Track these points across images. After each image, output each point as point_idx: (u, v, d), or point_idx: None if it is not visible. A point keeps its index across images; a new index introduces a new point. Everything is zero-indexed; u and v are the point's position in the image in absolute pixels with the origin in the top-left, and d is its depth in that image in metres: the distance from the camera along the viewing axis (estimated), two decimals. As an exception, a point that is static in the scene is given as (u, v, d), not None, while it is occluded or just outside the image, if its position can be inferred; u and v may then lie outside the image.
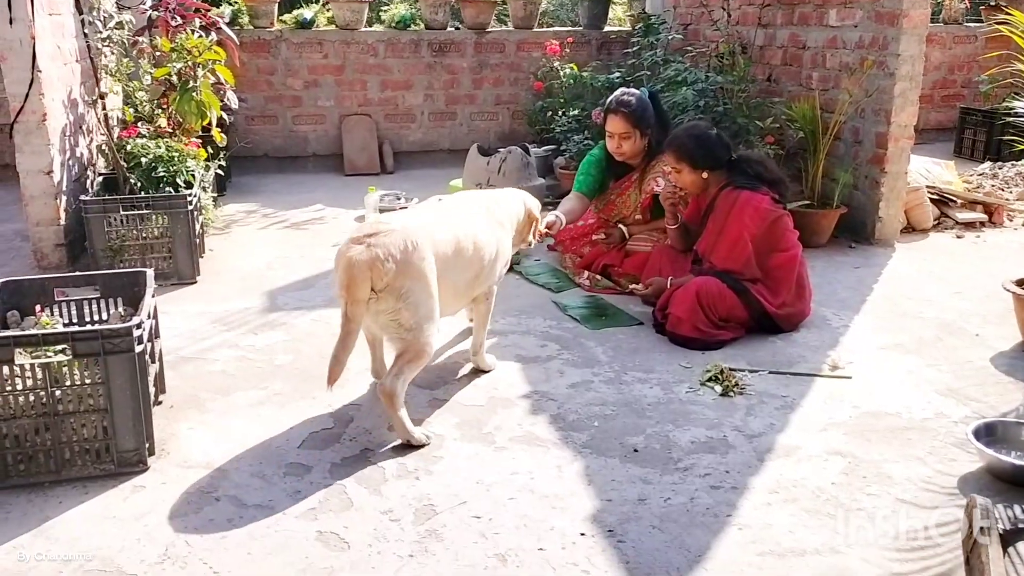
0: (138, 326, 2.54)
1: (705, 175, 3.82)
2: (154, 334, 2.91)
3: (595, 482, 2.55)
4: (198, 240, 4.44)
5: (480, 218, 3.16)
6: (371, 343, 3.10)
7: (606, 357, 3.44)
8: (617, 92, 4.46)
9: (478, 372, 3.29)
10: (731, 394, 3.10)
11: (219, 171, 5.34)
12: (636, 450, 2.73)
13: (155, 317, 2.93)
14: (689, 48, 6.37)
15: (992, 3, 7.97)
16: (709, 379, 3.21)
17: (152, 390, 2.74)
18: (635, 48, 6.76)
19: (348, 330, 2.69)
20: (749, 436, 2.82)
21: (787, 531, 2.32)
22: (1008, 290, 3.59)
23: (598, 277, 4.34)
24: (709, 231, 3.82)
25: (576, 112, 6.37)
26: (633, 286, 4.09)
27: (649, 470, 2.61)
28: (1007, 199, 5.67)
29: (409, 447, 2.72)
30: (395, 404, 2.72)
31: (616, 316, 3.91)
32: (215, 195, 5.39)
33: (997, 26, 3.57)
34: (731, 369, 3.26)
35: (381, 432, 2.83)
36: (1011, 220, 5.49)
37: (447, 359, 3.41)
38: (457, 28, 7.54)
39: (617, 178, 4.53)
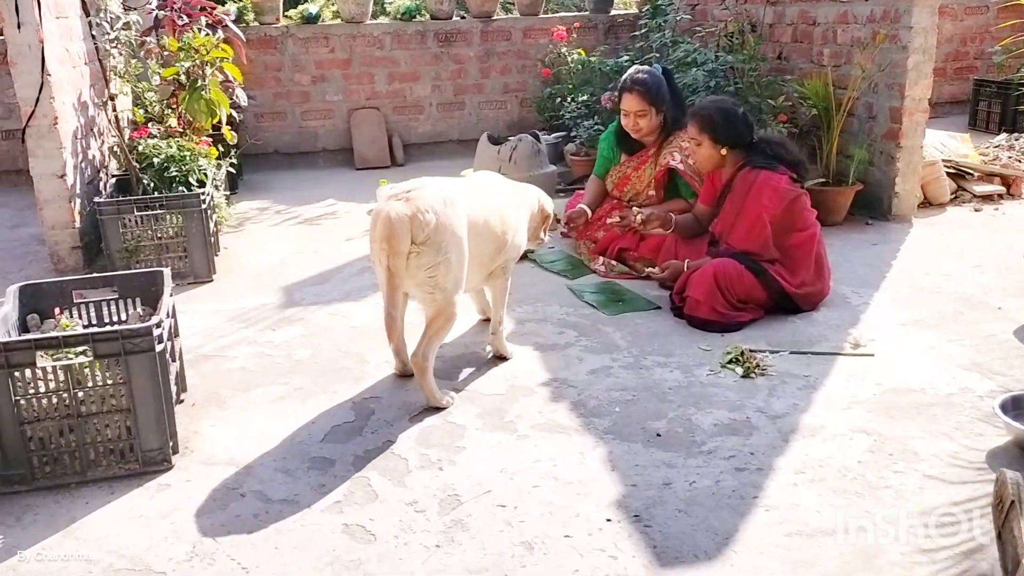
0: (158, 325, 2.55)
1: (724, 151, 3.79)
2: (174, 333, 2.91)
3: (619, 467, 2.54)
4: (213, 238, 4.45)
5: (506, 193, 3.27)
6: (393, 321, 3.00)
7: (624, 342, 3.43)
8: (631, 70, 4.48)
9: (498, 360, 3.29)
10: (752, 375, 3.08)
11: (231, 169, 5.36)
12: (659, 434, 2.72)
13: (174, 316, 2.94)
14: (698, 28, 6.32)
15: (1004, -28, 7.86)
16: (729, 361, 3.19)
17: (174, 389, 2.75)
18: (643, 30, 6.72)
19: (393, 285, 2.79)
20: (772, 417, 2.80)
21: (814, 511, 2.30)
22: (1030, 262, 3.56)
23: (613, 263, 4.32)
24: (727, 212, 3.79)
25: (585, 98, 6.35)
26: (649, 270, 4.07)
27: (673, 454, 2.60)
28: (1025, 170, 5.60)
29: (433, 428, 2.73)
30: (427, 371, 2.88)
31: (633, 301, 3.89)
32: (228, 193, 5.41)
33: (1010, -5, 3.51)
34: (751, 350, 3.24)
35: (403, 423, 2.83)
36: (1029, 191, 5.43)
37: (466, 350, 3.40)
38: (463, 17, 7.51)
39: (631, 153, 4.52)
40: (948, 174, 5.28)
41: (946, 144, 5.51)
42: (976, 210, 5.11)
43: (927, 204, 5.16)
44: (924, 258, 4.29)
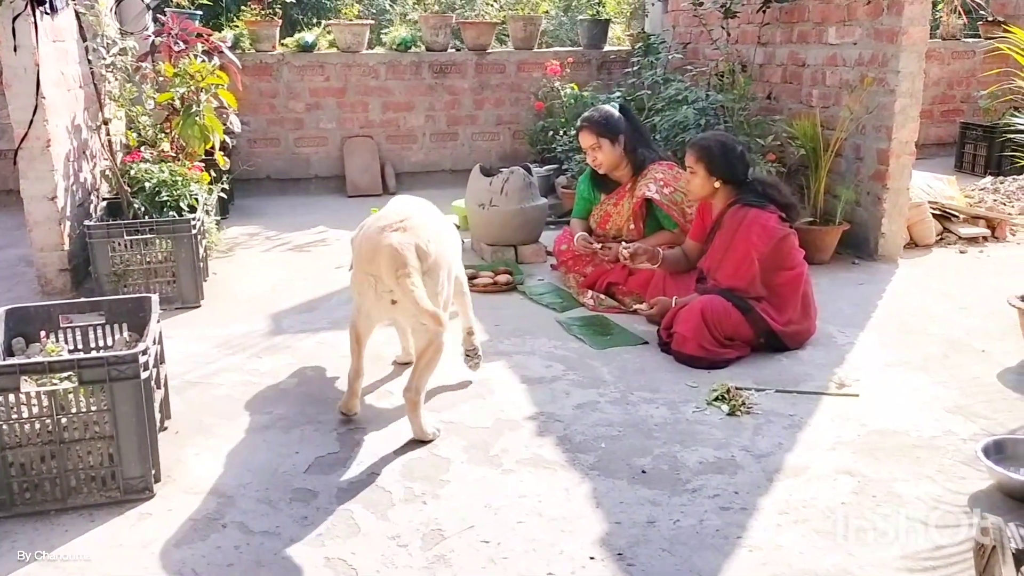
0: (144, 352, 2.54)
1: (717, 184, 3.82)
2: (159, 360, 2.90)
3: (603, 504, 2.53)
4: (202, 264, 4.45)
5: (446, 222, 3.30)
6: (358, 372, 3.07)
7: (612, 377, 3.44)
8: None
9: (484, 395, 3.28)
10: (738, 413, 3.09)
11: (222, 194, 5.37)
12: (644, 471, 2.72)
13: (160, 342, 2.93)
14: (689, 67, 6.40)
15: (990, 19, 8.01)
16: (716, 398, 3.20)
17: (158, 416, 2.73)
18: (635, 67, 6.80)
19: (393, 315, 2.94)
20: (757, 456, 2.80)
21: (798, 552, 2.30)
22: (1013, 305, 3.59)
23: (602, 296, 4.34)
24: (715, 248, 3.82)
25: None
26: (637, 306, 4.09)
27: (658, 492, 2.60)
28: (1009, 214, 5.67)
29: (418, 461, 2.72)
30: (419, 404, 2.87)
31: (621, 335, 3.90)
32: (218, 218, 5.41)
33: (996, 44, 3.59)
34: (737, 388, 3.25)
35: (388, 455, 2.81)
36: (1014, 235, 5.49)
37: (455, 381, 3.40)
38: (458, 49, 7.58)
39: (608, 192, 4.63)
40: (934, 216, 5.35)
41: (932, 186, 5.58)
42: (961, 252, 5.17)
43: (913, 245, 5.21)
44: (910, 299, 4.33)
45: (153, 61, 5.02)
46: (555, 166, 6.60)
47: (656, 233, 4.45)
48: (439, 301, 2.86)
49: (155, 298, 3.00)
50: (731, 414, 3.09)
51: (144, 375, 2.52)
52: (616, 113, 4.50)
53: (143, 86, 5.17)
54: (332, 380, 3.39)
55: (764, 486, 2.62)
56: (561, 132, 6.55)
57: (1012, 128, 3.72)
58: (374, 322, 3.03)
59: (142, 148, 4.91)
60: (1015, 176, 6.24)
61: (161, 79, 5.03)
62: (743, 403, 3.14)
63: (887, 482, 2.63)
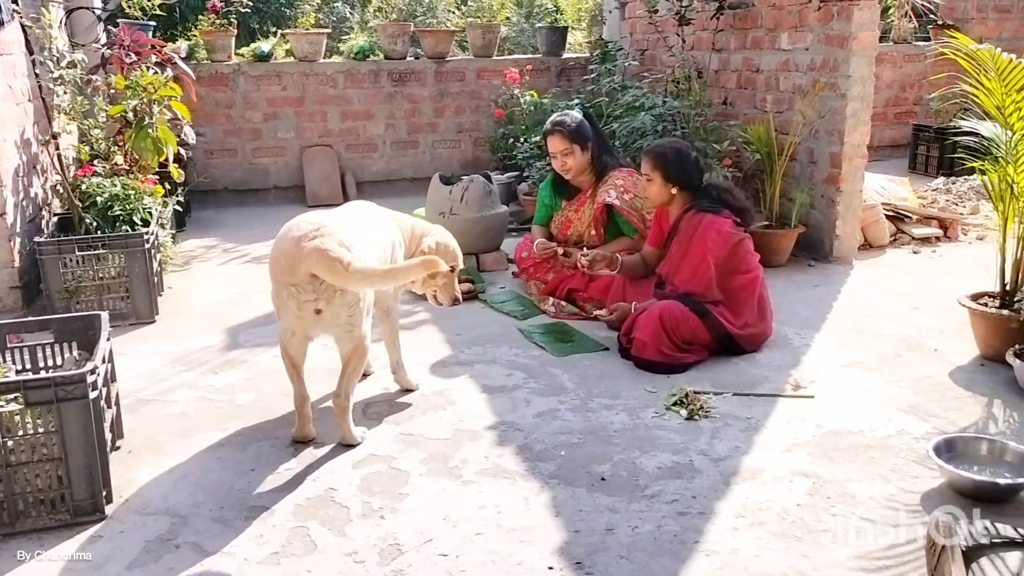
0: (92, 372, 2.49)
1: (673, 191, 3.86)
2: (110, 378, 2.85)
3: (563, 513, 2.53)
4: (156, 278, 4.39)
5: (385, 228, 3.24)
6: (303, 397, 3.01)
7: (572, 384, 3.44)
8: (552, 116, 4.68)
9: (444, 405, 3.27)
10: (696, 417, 3.11)
11: (178, 207, 5.29)
12: (603, 478, 2.72)
13: (111, 361, 2.88)
14: (646, 73, 6.46)
15: (939, 23, 8.18)
16: (674, 403, 3.21)
17: (109, 436, 2.68)
18: (593, 75, 6.83)
19: (319, 325, 2.85)
20: (715, 460, 2.82)
21: (754, 555, 2.32)
22: (964, 305, 3.66)
23: (563, 303, 4.35)
24: (673, 254, 3.85)
25: (537, 139, 6.39)
26: (597, 312, 4.11)
27: (616, 498, 2.60)
28: (961, 214, 5.78)
29: (376, 475, 2.70)
30: (348, 410, 2.93)
31: (582, 342, 3.91)
32: (174, 231, 5.34)
33: (940, 48, 3.66)
34: (696, 392, 3.27)
35: (345, 470, 2.79)
36: (965, 234, 5.60)
37: (416, 394, 3.38)
38: (417, 57, 7.57)
39: (570, 198, 4.63)
40: (887, 217, 5.44)
41: (886, 187, 5.68)
42: (914, 252, 5.26)
43: (867, 246, 5.29)
44: (864, 300, 4.39)
45: (105, 73, 4.95)
46: (516, 173, 6.61)
47: (615, 239, 4.48)
48: (359, 308, 2.86)
49: (105, 316, 2.94)
50: (689, 418, 3.11)
51: (93, 395, 2.47)
52: (583, 120, 4.51)
53: (95, 99, 5.09)
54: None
55: (721, 490, 2.64)
56: (522, 139, 6.56)
57: (960, 130, 3.77)
58: (302, 339, 2.93)
59: (95, 161, 4.83)
60: (966, 177, 6.37)
61: (113, 91, 4.96)
62: (701, 407, 3.17)
63: (842, 483, 2.67)
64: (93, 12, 5.87)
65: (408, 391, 3.38)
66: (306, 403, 2.99)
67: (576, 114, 4.59)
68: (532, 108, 6.78)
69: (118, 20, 6.14)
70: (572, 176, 4.53)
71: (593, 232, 4.53)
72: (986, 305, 3.62)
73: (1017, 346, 3.35)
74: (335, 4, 10.14)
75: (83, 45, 5.23)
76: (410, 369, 3.45)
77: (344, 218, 3.04)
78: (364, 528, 2.46)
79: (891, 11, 8.36)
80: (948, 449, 2.72)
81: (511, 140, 6.79)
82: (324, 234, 2.77)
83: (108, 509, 2.54)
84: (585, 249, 4.37)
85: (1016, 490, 2.55)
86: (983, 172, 3.66)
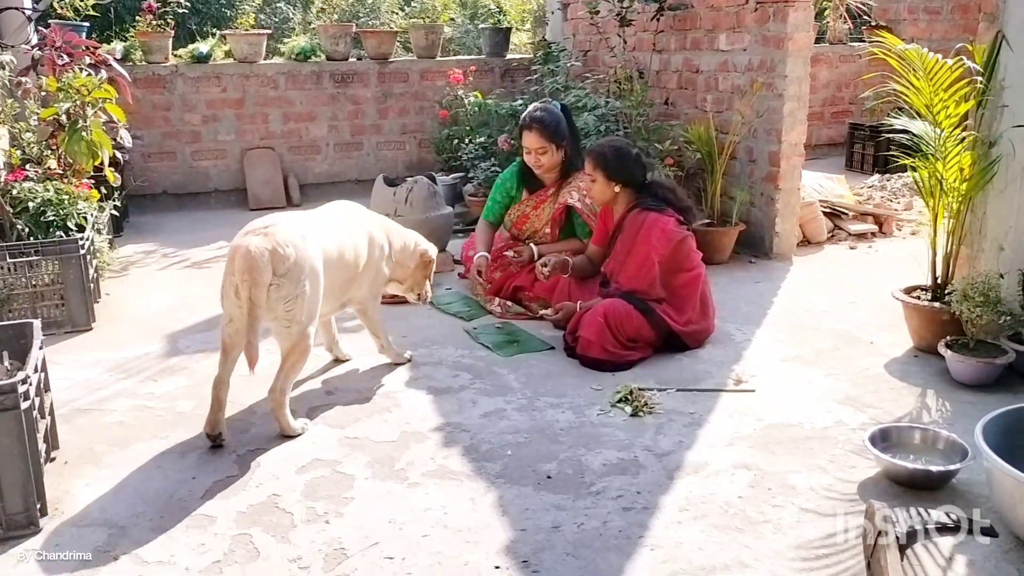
0: (24, 381, 2.42)
1: (617, 189, 3.89)
2: (43, 388, 2.77)
3: (509, 512, 2.54)
4: (92, 285, 4.28)
5: (361, 229, 3.37)
6: (220, 381, 3.01)
7: (518, 384, 3.45)
8: (531, 107, 4.56)
9: (391, 408, 3.25)
10: (641, 414, 3.14)
11: (114, 212, 5.17)
12: (549, 476, 2.73)
13: (44, 370, 2.80)
14: (589, 74, 6.50)
15: (873, 24, 8.39)
16: (619, 400, 3.24)
17: (43, 447, 2.61)
18: (537, 75, 6.86)
19: (254, 315, 2.82)
20: (659, 455, 2.86)
21: (697, 548, 2.35)
22: (897, 299, 3.76)
23: (509, 304, 4.35)
24: (617, 252, 3.89)
25: (482, 139, 6.42)
26: (544, 311, 4.13)
27: (562, 496, 2.62)
28: (896, 210, 5.95)
29: (320, 480, 2.67)
30: (284, 405, 2.99)
31: (528, 342, 3.92)
32: (111, 237, 5.22)
33: (871, 48, 3.76)
34: (640, 389, 3.30)
35: (289, 476, 2.75)
36: (900, 230, 5.77)
37: (358, 395, 3.36)
38: (359, 59, 7.51)
39: (532, 192, 4.58)
40: (825, 214, 5.57)
41: (823, 185, 5.81)
42: (851, 248, 5.39)
43: (806, 243, 5.41)
44: (803, 295, 4.49)
45: (36, 75, 4.81)
46: (461, 174, 6.60)
47: (566, 239, 4.49)
48: (297, 304, 2.92)
49: (37, 324, 2.86)
50: (634, 415, 3.14)
51: (25, 405, 2.40)
52: (562, 117, 4.43)
53: (26, 101, 4.95)
54: (231, 401, 3.28)
55: (665, 484, 2.68)
56: (467, 140, 6.55)
57: (891, 128, 3.88)
58: (239, 328, 2.92)
59: (27, 166, 4.69)
60: (900, 174, 6.55)
61: (45, 94, 4.83)
62: (646, 403, 3.20)
63: (782, 474, 2.72)
64: (23, 12, 5.71)
65: (398, 365, 3.63)
66: (221, 389, 2.96)
67: (555, 109, 4.46)
68: (476, 109, 6.78)
69: (50, 21, 5.97)
70: (543, 172, 4.48)
71: (548, 231, 4.53)
72: (919, 299, 3.73)
73: (948, 338, 3.45)
74: (278, 4, 10.02)
75: (12, 46, 5.08)
76: (357, 371, 3.42)
77: (304, 218, 3.18)
78: (308, 533, 2.44)
79: (827, 12, 8.55)
80: (883, 439, 2.79)
81: (456, 141, 6.79)
82: (268, 233, 2.88)
83: (43, 522, 2.47)
84: (535, 250, 4.38)
85: (948, 477, 2.63)
86: (914, 169, 3.77)
